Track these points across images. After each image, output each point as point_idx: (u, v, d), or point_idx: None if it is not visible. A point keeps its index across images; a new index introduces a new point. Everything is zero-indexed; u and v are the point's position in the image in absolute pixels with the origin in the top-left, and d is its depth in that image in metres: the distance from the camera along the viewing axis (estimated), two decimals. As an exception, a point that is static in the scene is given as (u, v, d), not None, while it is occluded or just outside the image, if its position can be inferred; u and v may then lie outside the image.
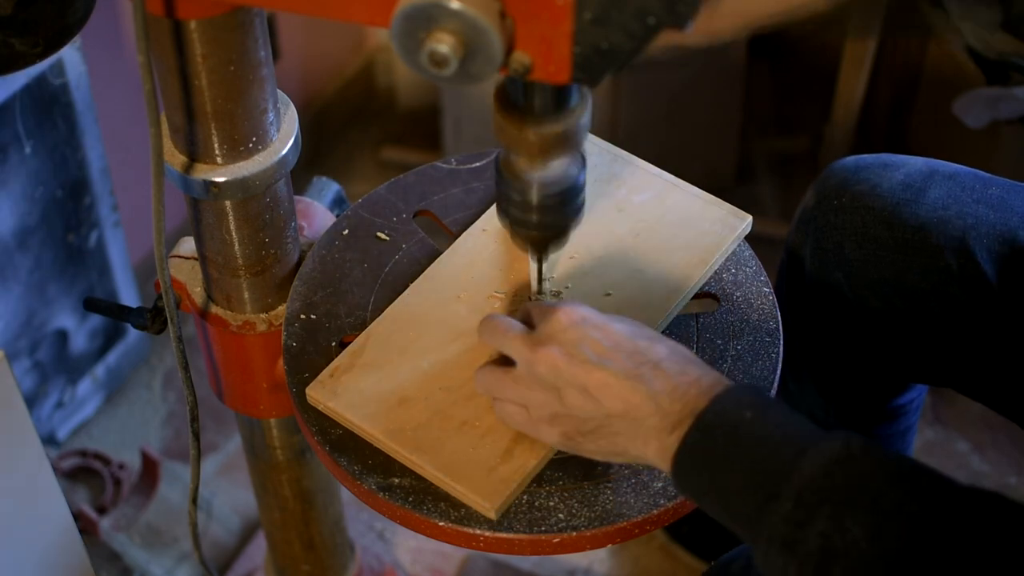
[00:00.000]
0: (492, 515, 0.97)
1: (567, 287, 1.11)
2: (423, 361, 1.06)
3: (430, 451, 0.99)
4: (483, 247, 1.14)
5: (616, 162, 1.19)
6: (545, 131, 0.88)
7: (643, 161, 1.20)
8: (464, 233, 1.15)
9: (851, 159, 1.32)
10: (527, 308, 1.00)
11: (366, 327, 1.10)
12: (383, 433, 1.01)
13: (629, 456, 0.94)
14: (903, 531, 0.81)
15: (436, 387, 1.04)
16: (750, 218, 1.15)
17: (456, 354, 1.06)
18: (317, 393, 1.04)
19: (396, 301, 1.10)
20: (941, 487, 0.84)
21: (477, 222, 1.16)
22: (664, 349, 0.93)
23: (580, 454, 0.97)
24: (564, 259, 1.12)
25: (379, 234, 1.17)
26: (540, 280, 1.06)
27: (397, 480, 1.00)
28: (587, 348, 0.92)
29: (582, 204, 0.97)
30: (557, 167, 0.93)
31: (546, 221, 0.96)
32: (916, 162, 1.29)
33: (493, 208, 1.17)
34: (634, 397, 0.90)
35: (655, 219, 1.15)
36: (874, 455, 0.85)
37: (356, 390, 1.04)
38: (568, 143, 0.89)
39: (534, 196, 0.94)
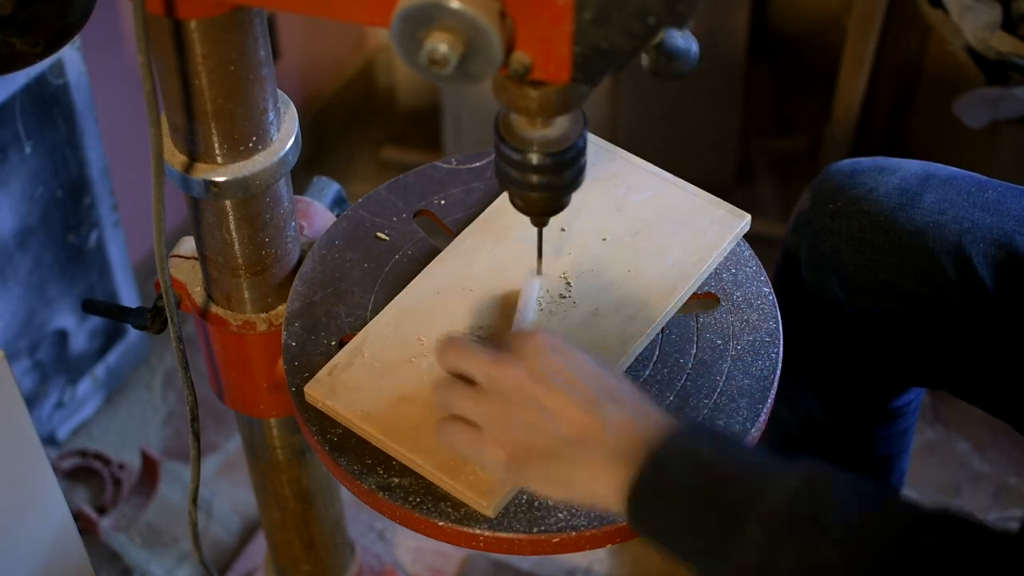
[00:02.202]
0: (490, 512, 0.97)
1: (568, 283, 1.11)
2: (421, 360, 1.06)
3: (428, 450, 0.99)
4: (481, 246, 1.14)
5: (615, 161, 1.19)
6: (546, 89, 0.86)
7: (642, 160, 1.20)
8: (463, 232, 1.15)
9: (847, 162, 1.32)
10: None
11: (366, 326, 1.10)
12: (381, 432, 1.01)
13: (578, 488, 0.91)
14: (876, 553, 0.81)
15: (434, 386, 1.04)
16: (748, 217, 1.15)
17: None
18: (315, 391, 1.04)
19: (395, 300, 1.10)
20: (908, 510, 0.85)
21: (475, 221, 1.16)
22: (627, 387, 0.92)
23: (526, 484, 0.94)
24: (563, 257, 1.12)
25: (379, 234, 1.17)
26: (541, 250, 1.06)
27: (397, 480, 1.00)
28: (552, 370, 0.91)
29: (583, 167, 0.95)
30: (557, 127, 0.92)
31: (546, 183, 0.94)
32: (912, 166, 1.29)
33: (491, 207, 1.17)
34: (590, 422, 0.89)
35: (654, 217, 1.15)
36: (838, 481, 0.85)
37: (355, 388, 1.04)
38: (568, 101, 0.87)
39: (534, 157, 0.92)
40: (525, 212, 0.98)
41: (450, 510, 0.98)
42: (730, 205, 1.16)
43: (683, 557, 0.88)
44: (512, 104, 0.88)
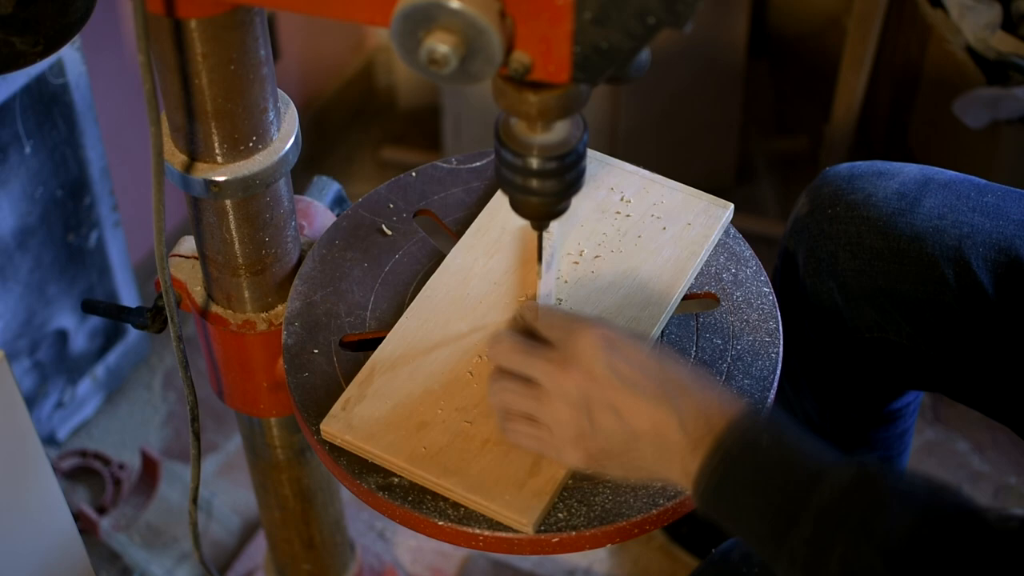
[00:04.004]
0: (530, 530, 0.96)
1: (567, 282, 1.10)
2: (434, 383, 1.05)
3: (458, 473, 0.98)
4: (474, 261, 1.13)
5: (591, 162, 1.18)
6: (545, 94, 0.86)
7: (617, 160, 1.20)
8: (452, 250, 1.15)
9: (845, 166, 1.32)
10: (539, 321, 0.99)
11: (366, 326, 1.10)
12: (407, 460, 0.99)
13: (652, 476, 0.96)
14: (919, 556, 0.83)
15: (452, 408, 1.03)
16: (731, 206, 1.17)
17: (466, 372, 1.05)
18: (332, 427, 1.02)
19: (395, 326, 1.09)
20: (959, 508, 0.85)
21: (463, 237, 1.15)
22: (687, 372, 0.95)
23: (602, 474, 0.98)
24: (558, 265, 1.12)
25: (383, 227, 1.17)
26: (541, 255, 1.05)
27: (397, 479, 1.00)
28: (614, 369, 0.93)
29: (583, 171, 0.95)
30: (557, 131, 0.92)
31: (547, 188, 0.94)
32: (911, 170, 1.29)
33: (477, 221, 1.17)
34: (661, 418, 0.92)
35: (639, 217, 1.16)
36: (889, 479, 0.86)
37: (371, 420, 1.02)
38: (568, 106, 0.87)
39: (534, 161, 0.92)
40: (526, 217, 0.98)
41: (449, 510, 0.98)
42: (710, 195, 1.17)
43: (744, 541, 0.92)
44: (512, 109, 0.88)
